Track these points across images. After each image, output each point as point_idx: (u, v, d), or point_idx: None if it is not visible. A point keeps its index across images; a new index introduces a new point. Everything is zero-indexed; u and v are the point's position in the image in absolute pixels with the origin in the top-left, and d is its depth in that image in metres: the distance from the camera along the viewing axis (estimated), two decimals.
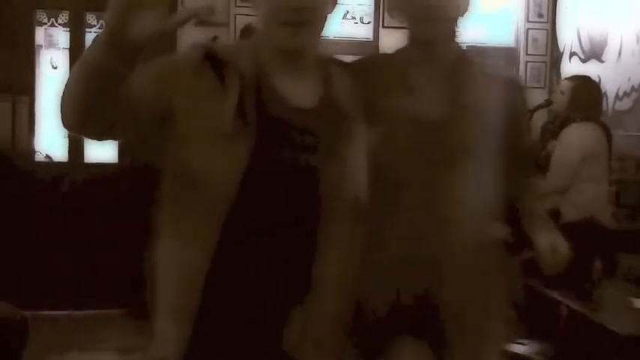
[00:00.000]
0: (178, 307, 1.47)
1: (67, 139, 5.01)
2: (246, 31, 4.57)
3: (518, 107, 1.86)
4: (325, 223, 1.46)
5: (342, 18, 5.23)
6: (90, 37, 5.04)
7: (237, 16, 4.98)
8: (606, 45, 4.75)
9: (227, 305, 1.44)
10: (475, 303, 1.73)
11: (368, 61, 1.85)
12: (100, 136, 1.45)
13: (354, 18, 5.29)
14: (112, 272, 4.68)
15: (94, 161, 5.06)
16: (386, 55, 1.94)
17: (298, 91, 1.50)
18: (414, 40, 1.79)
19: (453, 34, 1.80)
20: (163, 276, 1.52)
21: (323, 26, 1.55)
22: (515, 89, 1.90)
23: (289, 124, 1.47)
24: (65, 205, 4.83)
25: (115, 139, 1.53)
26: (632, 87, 4.46)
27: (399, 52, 1.83)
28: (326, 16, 1.56)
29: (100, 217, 4.81)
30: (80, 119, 1.34)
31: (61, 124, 1.37)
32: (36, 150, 5.03)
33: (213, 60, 1.43)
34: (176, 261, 1.47)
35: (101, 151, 5.08)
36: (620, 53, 4.61)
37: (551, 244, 1.79)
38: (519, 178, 1.87)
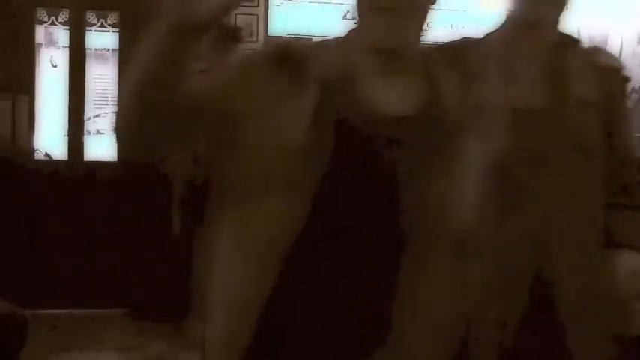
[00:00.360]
0: (229, 337, 1.25)
1: (67, 137, 5.01)
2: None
3: (618, 100, 1.68)
4: (417, 257, 1.20)
5: (342, 18, 5.22)
6: (90, 35, 5.04)
7: (237, 16, 4.98)
8: (606, 46, 4.75)
9: (288, 338, 1.23)
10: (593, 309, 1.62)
11: (456, 47, 1.64)
12: (158, 148, 1.28)
13: (354, 18, 5.28)
14: (112, 271, 4.68)
15: (94, 160, 5.05)
16: (476, 40, 1.70)
17: (393, 97, 1.25)
18: (519, 22, 1.62)
19: (560, 17, 1.63)
20: (215, 300, 1.28)
21: (425, 19, 1.28)
22: (618, 79, 1.71)
23: (376, 136, 1.22)
24: (65, 204, 4.83)
25: (172, 152, 1.34)
26: (633, 88, 4.46)
27: (494, 36, 1.65)
28: (429, 8, 1.28)
29: (99, 216, 4.81)
30: (138, 127, 1.18)
31: (118, 141, 1.24)
32: (36, 148, 5.03)
33: (289, 59, 1.23)
34: (231, 286, 1.25)
35: (101, 150, 5.08)
36: (620, 54, 4.61)
37: (632, 268, 1.63)
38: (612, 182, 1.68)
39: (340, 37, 1.33)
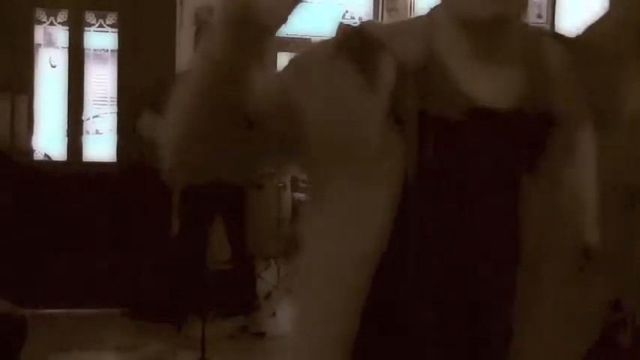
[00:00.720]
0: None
1: (66, 137, 5.01)
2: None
3: None
4: (527, 275, 0.98)
5: (342, 18, 5.23)
6: (89, 35, 5.04)
7: None
8: None
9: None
10: None
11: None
12: (224, 171, 1.12)
13: (353, 18, 5.29)
14: (112, 271, 4.69)
15: (93, 160, 5.06)
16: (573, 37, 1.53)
17: (490, 85, 1.02)
18: (627, 23, 1.33)
19: None
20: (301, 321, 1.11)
21: None
22: None
23: (471, 132, 1.00)
24: (64, 204, 4.83)
25: (240, 173, 1.16)
26: None
27: (595, 35, 1.46)
28: None
29: (98, 216, 4.82)
30: (198, 150, 1.03)
31: (173, 167, 1.06)
32: (35, 149, 5.03)
33: (361, 46, 1.03)
34: (313, 328, 1.07)
35: (100, 150, 5.09)
36: None
37: None
38: None
39: (421, 17, 1.09)
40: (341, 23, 1.07)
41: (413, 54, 1.02)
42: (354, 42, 1.04)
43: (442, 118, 1.00)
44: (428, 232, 1.00)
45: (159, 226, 4.73)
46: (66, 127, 5.01)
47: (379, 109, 0.99)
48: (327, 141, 1.02)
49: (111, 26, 5.06)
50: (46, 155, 5.09)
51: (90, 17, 5.06)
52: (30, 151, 5.00)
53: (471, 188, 1.00)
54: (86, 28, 5.04)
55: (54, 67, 5.06)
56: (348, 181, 1.00)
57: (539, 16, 5.46)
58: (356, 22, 1.09)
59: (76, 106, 5.00)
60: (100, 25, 5.07)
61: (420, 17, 1.10)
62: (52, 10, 5.02)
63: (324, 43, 1.07)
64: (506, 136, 1.00)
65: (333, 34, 1.07)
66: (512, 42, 1.05)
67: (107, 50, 5.09)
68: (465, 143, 1.00)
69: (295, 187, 5.17)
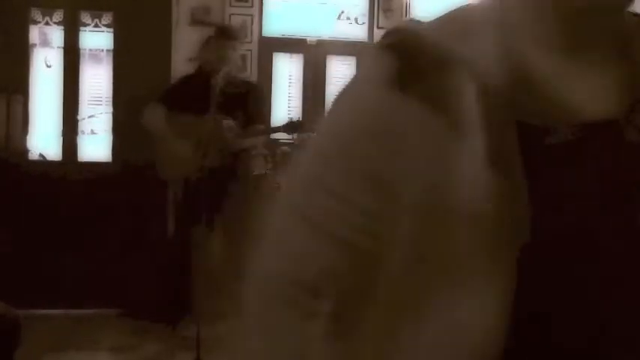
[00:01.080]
0: None
1: (61, 137, 5.01)
2: (207, 44, 4.46)
3: None
4: None
5: (337, 18, 5.23)
6: (85, 35, 5.02)
7: (231, 16, 4.98)
8: None
9: None
10: None
11: None
12: None
13: (348, 19, 5.29)
14: (108, 271, 4.69)
15: (88, 160, 5.05)
16: None
17: (594, 91, 0.78)
18: None
19: None
20: None
21: None
22: None
23: (590, 154, 0.75)
24: (59, 204, 4.82)
25: None
26: None
27: None
28: None
29: (93, 216, 4.81)
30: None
31: None
32: (30, 149, 5.02)
33: (423, 72, 0.75)
34: None
35: (95, 151, 5.08)
36: None
37: None
38: None
39: (483, 5, 0.82)
40: (382, 41, 0.77)
41: (492, 66, 0.75)
42: (414, 69, 0.75)
43: (549, 145, 0.75)
44: (561, 296, 0.73)
45: (154, 226, 4.72)
46: (61, 127, 5.00)
47: (473, 156, 0.72)
48: (413, 209, 0.74)
49: (106, 26, 5.05)
50: (41, 155, 5.08)
51: (85, 17, 5.05)
52: (25, 151, 4.99)
53: (607, 230, 0.74)
54: (82, 28, 5.03)
55: (49, 67, 5.04)
56: (451, 254, 0.73)
57: None
58: (406, 26, 0.78)
59: (72, 106, 5.00)
60: (96, 25, 5.06)
61: (481, 7, 0.82)
62: (48, 9, 5.01)
63: (370, 86, 0.77)
64: (630, 156, 0.76)
65: (376, 58, 0.77)
66: (615, 37, 0.80)
67: (103, 50, 5.08)
68: (585, 170, 0.75)
69: None
